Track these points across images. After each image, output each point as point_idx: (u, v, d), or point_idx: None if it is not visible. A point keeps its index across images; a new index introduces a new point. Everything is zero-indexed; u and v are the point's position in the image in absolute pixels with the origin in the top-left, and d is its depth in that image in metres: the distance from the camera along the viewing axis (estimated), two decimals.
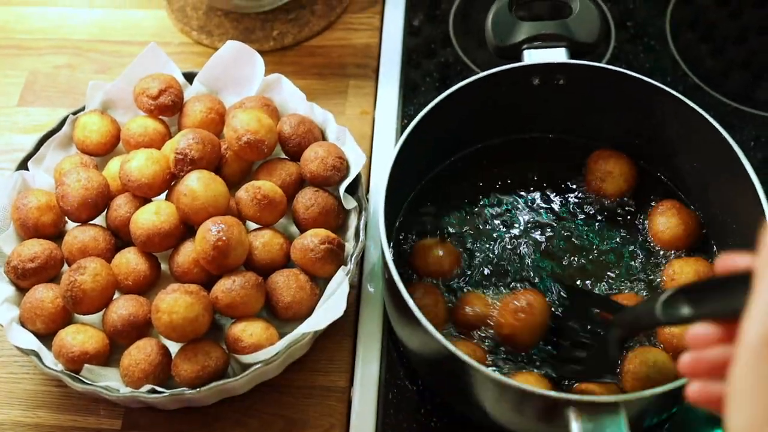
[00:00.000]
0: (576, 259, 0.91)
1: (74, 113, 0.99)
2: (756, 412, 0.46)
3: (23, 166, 0.96)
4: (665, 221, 0.91)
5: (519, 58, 0.93)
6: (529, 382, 0.80)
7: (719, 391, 0.53)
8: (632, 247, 0.92)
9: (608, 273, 0.91)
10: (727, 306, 0.55)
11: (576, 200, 0.95)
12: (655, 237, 0.92)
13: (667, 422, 0.86)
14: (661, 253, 0.92)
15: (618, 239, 0.93)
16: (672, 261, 0.90)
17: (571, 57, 0.92)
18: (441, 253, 0.91)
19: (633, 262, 0.91)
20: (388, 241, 0.82)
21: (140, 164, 0.90)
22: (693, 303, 0.60)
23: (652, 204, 0.94)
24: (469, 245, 0.93)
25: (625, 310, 0.81)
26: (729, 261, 0.55)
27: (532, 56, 0.92)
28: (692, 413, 0.87)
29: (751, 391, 0.47)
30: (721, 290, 0.57)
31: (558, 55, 0.92)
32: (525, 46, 0.93)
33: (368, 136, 1.06)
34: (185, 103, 0.99)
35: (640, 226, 0.93)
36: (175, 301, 0.81)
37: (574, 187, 0.96)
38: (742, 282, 0.54)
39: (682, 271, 0.88)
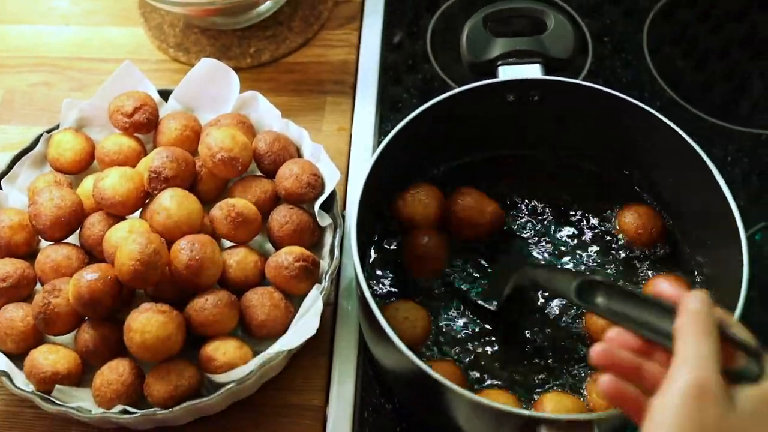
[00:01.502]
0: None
1: (48, 131, 0.98)
2: None
3: None
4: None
5: (494, 74, 0.93)
6: (499, 399, 0.80)
7: (630, 393, 0.61)
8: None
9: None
10: (636, 317, 0.63)
11: (552, 218, 0.96)
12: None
13: None
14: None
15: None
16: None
17: (546, 73, 0.92)
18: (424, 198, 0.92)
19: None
20: (361, 260, 0.81)
21: (114, 182, 0.90)
22: (608, 298, 0.68)
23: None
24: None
25: (543, 267, 0.89)
26: (658, 285, 0.63)
27: (506, 72, 0.92)
28: None
29: (678, 427, 0.54)
30: (637, 303, 0.64)
31: (533, 71, 0.92)
32: (500, 62, 0.93)
33: (345, 152, 1.06)
34: (160, 120, 0.98)
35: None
36: (147, 321, 0.81)
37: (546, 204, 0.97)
38: (659, 307, 0.62)
39: None
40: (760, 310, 0.94)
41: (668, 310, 0.61)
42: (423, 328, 0.87)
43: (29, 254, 0.92)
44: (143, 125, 0.96)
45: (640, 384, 0.61)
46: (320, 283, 0.88)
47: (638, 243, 0.92)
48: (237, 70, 1.00)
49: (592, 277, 0.72)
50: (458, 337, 0.88)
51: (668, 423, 0.54)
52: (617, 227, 0.94)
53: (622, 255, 0.92)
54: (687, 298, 0.59)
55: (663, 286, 0.63)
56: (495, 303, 0.88)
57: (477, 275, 0.92)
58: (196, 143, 0.96)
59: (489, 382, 0.85)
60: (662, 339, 0.61)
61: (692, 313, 0.58)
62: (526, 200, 0.97)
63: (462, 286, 0.90)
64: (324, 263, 0.90)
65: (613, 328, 0.64)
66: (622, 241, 0.93)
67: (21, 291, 0.88)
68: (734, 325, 0.60)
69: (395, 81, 1.14)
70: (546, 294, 0.89)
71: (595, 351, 0.62)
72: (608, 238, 0.94)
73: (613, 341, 0.63)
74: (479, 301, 0.89)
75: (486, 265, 0.92)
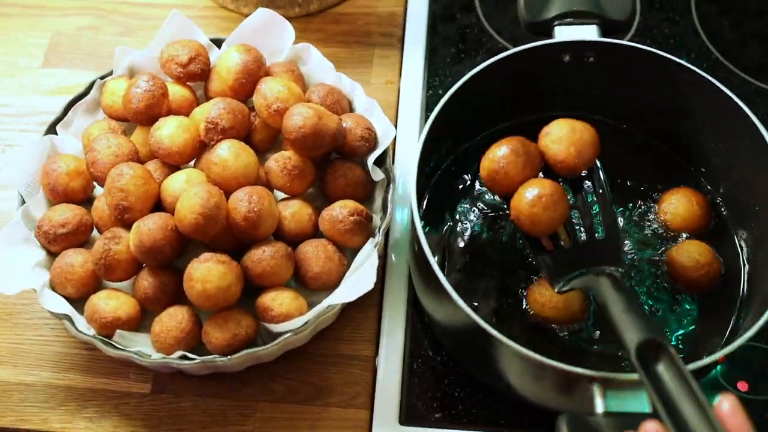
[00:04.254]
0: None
1: (102, 77, 0.99)
2: None
3: (52, 130, 0.96)
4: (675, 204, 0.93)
5: (550, 35, 0.93)
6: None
7: None
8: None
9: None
10: (681, 413, 0.61)
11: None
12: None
13: None
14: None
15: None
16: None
17: (603, 35, 0.92)
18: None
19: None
20: (420, 214, 0.82)
21: (171, 132, 0.91)
22: (668, 373, 0.64)
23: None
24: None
25: (622, 292, 0.75)
26: (722, 406, 0.60)
27: (563, 33, 0.92)
28: None
29: None
30: (693, 400, 0.61)
31: (589, 32, 0.92)
32: (556, 22, 0.93)
33: (394, 105, 1.07)
34: (212, 68, 0.99)
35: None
36: (208, 270, 0.82)
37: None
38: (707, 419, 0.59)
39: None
40: None
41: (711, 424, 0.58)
42: None
43: (85, 201, 0.93)
44: (197, 75, 0.96)
45: None
46: (373, 237, 0.90)
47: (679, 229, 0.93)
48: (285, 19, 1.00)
49: (664, 339, 0.65)
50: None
51: None
52: (659, 214, 0.94)
53: (660, 231, 0.94)
54: None
55: (724, 406, 0.60)
56: (558, 286, 0.81)
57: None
58: (251, 90, 0.96)
59: None
60: None
61: None
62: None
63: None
64: (376, 218, 0.92)
65: (651, 421, 0.61)
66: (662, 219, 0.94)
67: (79, 237, 0.90)
68: None
69: (443, 34, 1.14)
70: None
71: None
72: (650, 216, 0.94)
73: None
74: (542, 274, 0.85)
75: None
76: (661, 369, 0.64)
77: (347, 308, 0.91)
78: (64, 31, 1.13)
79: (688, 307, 0.89)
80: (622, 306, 0.72)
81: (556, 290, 0.81)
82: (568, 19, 0.93)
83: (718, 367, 0.90)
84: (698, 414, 0.60)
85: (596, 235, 0.83)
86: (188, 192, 0.84)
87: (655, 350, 0.65)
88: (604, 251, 0.82)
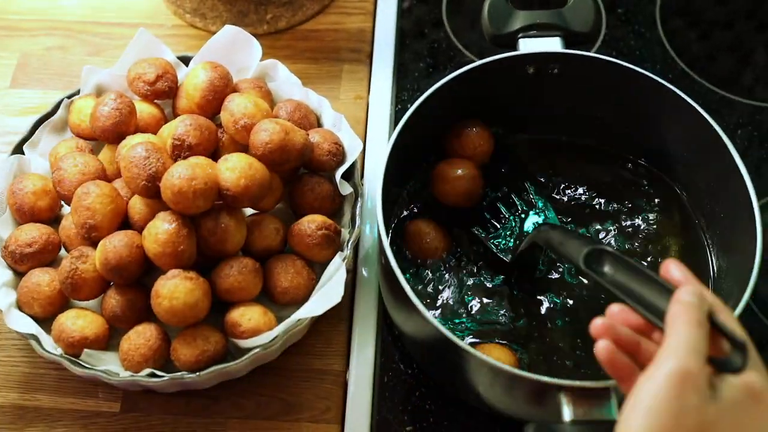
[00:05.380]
0: None
1: (68, 97, 0.99)
2: (655, 426, 0.56)
3: (19, 150, 0.96)
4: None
5: (515, 47, 0.94)
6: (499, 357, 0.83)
7: (624, 363, 0.63)
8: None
9: None
10: (639, 293, 0.66)
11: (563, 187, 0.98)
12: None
13: None
14: None
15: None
16: None
17: (566, 46, 0.93)
18: (431, 236, 0.92)
19: None
20: (386, 227, 0.83)
21: None
22: (614, 269, 0.70)
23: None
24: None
25: (559, 229, 0.88)
26: (667, 268, 0.65)
27: (527, 45, 0.93)
28: None
29: (657, 411, 0.56)
30: (643, 280, 0.67)
31: (553, 44, 0.93)
32: (521, 35, 0.94)
33: (362, 121, 1.07)
34: (180, 85, 0.99)
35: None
36: (175, 287, 0.82)
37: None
38: (663, 288, 0.64)
39: None
40: None
41: (670, 292, 0.63)
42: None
43: (52, 220, 0.93)
44: (164, 93, 0.97)
45: (636, 358, 0.63)
46: (342, 251, 0.90)
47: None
48: (253, 36, 1.00)
49: (603, 246, 0.73)
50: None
51: (648, 405, 0.56)
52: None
53: (630, 230, 0.95)
54: (681, 289, 0.61)
55: (672, 270, 0.65)
56: (510, 256, 0.90)
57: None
58: (218, 107, 0.96)
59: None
60: (659, 321, 0.62)
61: (684, 303, 0.60)
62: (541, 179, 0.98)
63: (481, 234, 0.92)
64: (345, 231, 0.92)
65: (615, 304, 0.66)
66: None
67: (46, 256, 0.90)
68: (724, 312, 0.62)
69: (411, 49, 1.15)
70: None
71: (595, 325, 0.63)
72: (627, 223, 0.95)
73: (614, 317, 0.65)
74: (495, 251, 0.91)
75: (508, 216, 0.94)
76: (608, 267, 0.71)
77: (317, 322, 0.91)
78: (33, 52, 1.13)
79: None
80: (560, 238, 0.82)
81: (508, 259, 0.90)
82: (532, 32, 0.94)
83: None
84: (649, 284, 0.66)
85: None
86: (155, 222, 0.84)
87: (598, 256, 0.72)
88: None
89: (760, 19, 1.20)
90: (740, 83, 1.13)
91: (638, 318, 0.65)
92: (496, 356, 0.83)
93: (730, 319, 0.62)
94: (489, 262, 0.92)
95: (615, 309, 0.65)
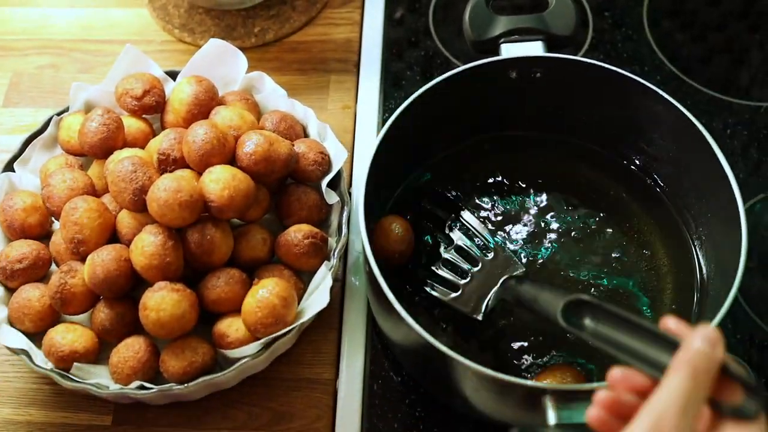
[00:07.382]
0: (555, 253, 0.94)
1: (58, 114, 1.00)
2: None
3: (9, 167, 0.97)
4: None
5: (497, 52, 0.94)
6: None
7: (614, 428, 0.57)
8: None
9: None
10: (628, 345, 0.59)
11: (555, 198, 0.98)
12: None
13: None
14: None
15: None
16: None
17: (549, 50, 0.94)
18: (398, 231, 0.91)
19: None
20: (368, 235, 0.83)
21: None
22: (596, 321, 0.63)
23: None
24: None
25: (528, 282, 0.83)
26: (665, 323, 0.58)
27: (509, 50, 0.94)
28: None
29: None
30: (631, 330, 0.60)
31: (535, 48, 0.93)
32: (502, 40, 0.94)
33: (350, 130, 1.07)
34: (167, 99, 1.00)
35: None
36: (162, 299, 0.83)
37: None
38: (656, 338, 0.58)
39: None
40: (760, 280, 0.97)
41: (667, 342, 0.57)
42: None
43: (43, 236, 0.94)
44: (152, 108, 0.97)
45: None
46: (329, 259, 0.90)
47: None
48: (241, 49, 1.01)
49: (581, 296, 0.66)
50: None
51: None
52: None
53: (616, 231, 0.94)
54: (697, 332, 0.54)
55: (669, 323, 0.58)
56: (481, 314, 0.87)
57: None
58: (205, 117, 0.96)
59: None
60: (659, 373, 0.56)
61: (694, 352, 0.54)
62: (520, 182, 0.98)
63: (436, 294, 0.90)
64: (332, 240, 0.92)
65: (616, 368, 0.58)
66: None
67: (37, 272, 0.90)
68: (732, 362, 0.56)
69: (398, 59, 1.15)
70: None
71: (599, 398, 0.58)
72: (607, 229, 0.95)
73: (617, 385, 0.58)
74: (461, 309, 0.88)
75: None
76: (588, 320, 0.64)
77: (306, 332, 0.92)
78: (25, 71, 1.15)
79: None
80: (533, 293, 0.78)
81: (480, 318, 0.87)
82: (513, 36, 0.94)
83: None
84: (638, 333, 0.60)
85: (486, 257, 0.90)
86: (141, 236, 0.85)
87: (576, 307, 0.66)
88: (497, 265, 0.89)
89: (751, 20, 1.20)
90: (729, 84, 1.13)
91: (644, 378, 0.57)
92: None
93: (737, 366, 0.56)
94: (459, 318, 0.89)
95: (617, 375, 0.58)
